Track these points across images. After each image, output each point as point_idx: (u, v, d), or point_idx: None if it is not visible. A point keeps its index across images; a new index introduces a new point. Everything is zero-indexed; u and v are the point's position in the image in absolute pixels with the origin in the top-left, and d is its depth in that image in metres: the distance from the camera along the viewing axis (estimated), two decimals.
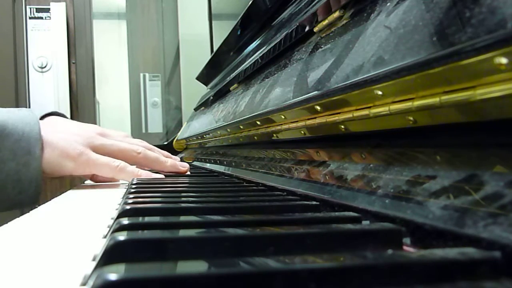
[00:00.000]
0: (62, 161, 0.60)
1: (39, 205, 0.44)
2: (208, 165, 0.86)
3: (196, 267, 0.16)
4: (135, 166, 0.67)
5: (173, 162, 0.69)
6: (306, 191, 0.34)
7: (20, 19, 2.08)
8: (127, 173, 0.63)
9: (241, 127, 0.64)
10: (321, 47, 0.41)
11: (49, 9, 2.07)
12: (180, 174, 0.70)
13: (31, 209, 0.41)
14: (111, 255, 0.18)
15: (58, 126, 0.65)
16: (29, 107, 2.09)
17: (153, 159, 0.67)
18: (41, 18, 2.08)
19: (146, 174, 0.63)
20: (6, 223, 0.33)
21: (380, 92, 0.27)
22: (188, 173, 0.72)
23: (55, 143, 0.60)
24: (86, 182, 0.76)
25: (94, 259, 0.22)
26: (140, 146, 0.67)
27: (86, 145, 0.62)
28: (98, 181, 0.72)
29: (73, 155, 0.60)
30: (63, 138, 0.61)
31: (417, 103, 0.24)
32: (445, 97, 0.21)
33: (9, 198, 0.57)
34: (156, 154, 0.68)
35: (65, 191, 0.60)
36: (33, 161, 0.57)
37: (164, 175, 0.68)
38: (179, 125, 2.23)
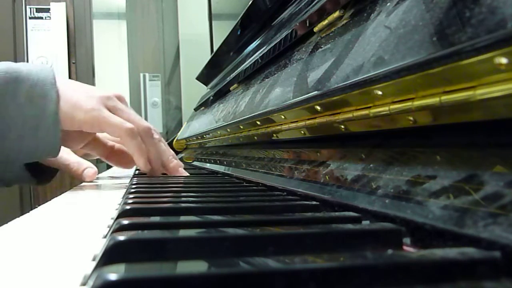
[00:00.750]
0: (74, 112, 0.58)
1: (39, 205, 0.44)
2: (208, 165, 0.86)
3: (196, 267, 0.16)
4: None
5: (179, 164, 0.67)
6: (306, 191, 0.34)
7: (20, 19, 2.08)
8: (133, 141, 0.60)
9: (241, 127, 0.64)
10: (321, 47, 0.41)
11: (49, 9, 2.08)
12: (180, 174, 0.69)
13: (31, 209, 0.41)
14: (111, 255, 0.18)
15: (75, 82, 0.64)
16: None
17: (161, 150, 0.65)
18: (41, 18, 2.08)
19: (144, 160, 0.61)
20: (6, 223, 0.33)
21: (380, 92, 0.27)
22: (187, 174, 0.70)
23: (70, 94, 0.58)
24: (86, 182, 0.76)
25: (94, 259, 0.22)
26: (151, 128, 0.64)
27: (101, 102, 0.60)
28: (110, 162, 0.69)
29: (86, 108, 0.58)
30: (79, 90, 0.60)
31: (417, 103, 0.24)
32: (445, 97, 0.21)
33: (28, 149, 0.55)
34: (164, 148, 0.66)
35: (65, 191, 0.60)
36: (50, 105, 0.56)
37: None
38: (179, 125, 2.23)
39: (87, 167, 0.71)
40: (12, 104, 0.54)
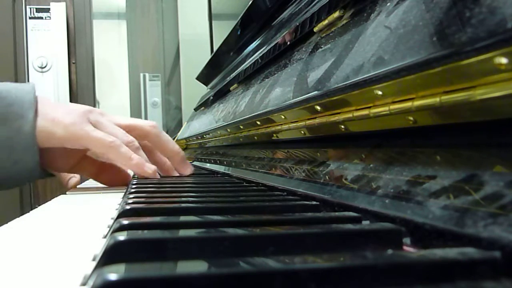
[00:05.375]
0: (53, 128, 0.55)
1: (39, 205, 0.44)
2: (208, 165, 0.86)
3: (196, 267, 0.16)
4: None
5: (155, 172, 0.61)
6: (306, 191, 0.34)
7: (20, 19, 2.08)
8: (119, 153, 0.56)
9: (241, 127, 0.64)
10: (321, 47, 0.41)
11: (49, 9, 2.08)
12: (180, 174, 0.68)
13: (31, 209, 0.41)
14: (111, 255, 0.18)
15: (56, 102, 0.62)
16: None
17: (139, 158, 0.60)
18: (41, 18, 2.08)
19: (138, 160, 0.57)
20: (6, 223, 0.33)
21: (380, 92, 0.27)
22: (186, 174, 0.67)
23: (49, 110, 0.56)
24: (86, 182, 0.76)
25: (94, 259, 0.22)
26: (135, 141, 0.60)
27: (82, 116, 0.57)
28: (101, 181, 0.66)
29: (65, 123, 0.55)
30: (59, 106, 0.57)
31: (417, 103, 0.24)
32: (445, 97, 0.21)
33: (6, 170, 0.54)
34: (145, 157, 0.61)
35: (65, 191, 0.60)
36: (25, 126, 0.53)
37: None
38: (179, 125, 2.23)
39: (72, 177, 0.70)
40: None
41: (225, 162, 0.76)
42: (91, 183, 0.73)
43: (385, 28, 0.28)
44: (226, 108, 0.81)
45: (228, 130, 0.72)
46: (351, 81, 0.29)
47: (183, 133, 1.38)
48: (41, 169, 0.59)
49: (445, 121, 0.23)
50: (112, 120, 0.62)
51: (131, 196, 0.37)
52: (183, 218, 0.26)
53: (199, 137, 1.04)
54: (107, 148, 0.56)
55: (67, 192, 0.59)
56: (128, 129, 0.61)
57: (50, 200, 0.49)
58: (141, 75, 2.66)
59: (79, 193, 0.57)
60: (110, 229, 0.26)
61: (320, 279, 0.14)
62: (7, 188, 0.57)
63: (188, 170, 0.67)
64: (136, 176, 0.74)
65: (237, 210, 0.30)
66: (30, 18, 2.07)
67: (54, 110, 0.56)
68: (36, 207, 0.42)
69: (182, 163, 0.66)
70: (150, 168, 0.59)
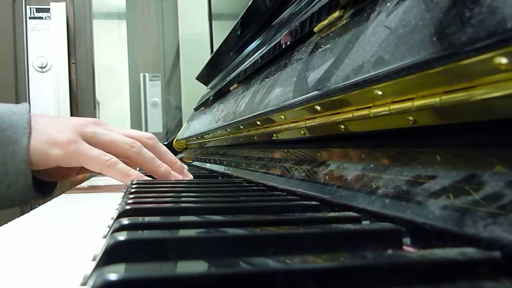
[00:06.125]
0: (49, 149, 0.55)
1: (39, 205, 0.44)
2: (208, 165, 0.86)
3: (196, 267, 0.16)
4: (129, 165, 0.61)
5: (168, 169, 0.62)
6: (306, 191, 0.34)
7: (20, 19, 2.08)
8: (116, 170, 0.57)
9: (241, 127, 0.64)
10: (321, 47, 0.41)
11: (49, 9, 2.07)
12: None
13: (31, 209, 0.41)
14: (111, 255, 0.18)
15: (51, 116, 0.61)
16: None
17: (146, 158, 0.60)
18: (41, 18, 2.08)
19: (136, 175, 0.58)
20: (6, 223, 0.33)
21: (380, 92, 0.27)
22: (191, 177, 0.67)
23: (43, 129, 0.55)
24: (86, 182, 0.76)
25: (94, 259, 0.22)
26: (136, 141, 0.60)
27: (77, 132, 0.57)
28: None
29: (61, 142, 0.55)
30: (52, 124, 0.57)
31: (417, 103, 0.24)
32: (445, 97, 0.21)
33: None
34: (151, 155, 0.62)
35: (65, 191, 0.60)
36: (19, 151, 0.53)
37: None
38: (179, 125, 2.23)
39: None
40: None
41: (225, 162, 0.76)
42: (91, 183, 0.73)
43: (385, 28, 0.28)
44: (226, 108, 0.81)
45: (228, 130, 0.72)
46: (351, 81, 0.29)
47: (183, 133, 1.38)
48: (35, 191, 0.59)
49: (445, 121, 0.23)
50: (110, 128, 0.61)
51: (131, 196, 0.37)
52: (183, 218, 0.26)
53: (199, 137, 1.04)
54: (103, 167, 0.56)
55: (67, 192, 0.59)
56: None
57: (50, 200, 0.49)
58: (141, 75, 2.66)
59: (79, 193, 0.57)
60: (110, 229, 0.26)
61: (320, 279, 0.14)
62: (0, 209, 0.57)
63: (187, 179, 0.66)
64: None
65: (237, 210, 0.30)
66: (30, 18, 2.07)
67: (47, 129, 0.56)
68: (36, 207, 0.42)
69: (180, 173, 0.65)
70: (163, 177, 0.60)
